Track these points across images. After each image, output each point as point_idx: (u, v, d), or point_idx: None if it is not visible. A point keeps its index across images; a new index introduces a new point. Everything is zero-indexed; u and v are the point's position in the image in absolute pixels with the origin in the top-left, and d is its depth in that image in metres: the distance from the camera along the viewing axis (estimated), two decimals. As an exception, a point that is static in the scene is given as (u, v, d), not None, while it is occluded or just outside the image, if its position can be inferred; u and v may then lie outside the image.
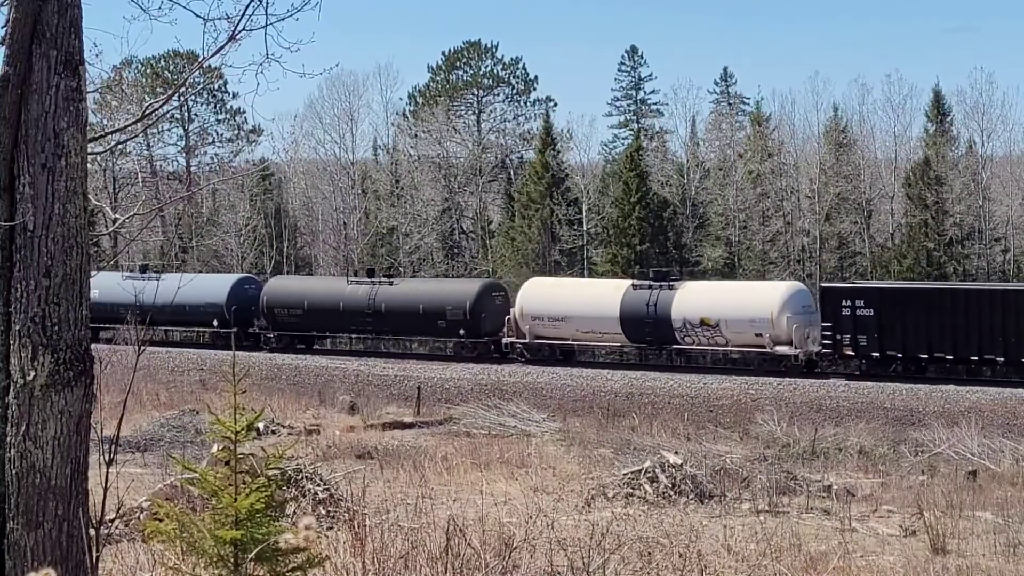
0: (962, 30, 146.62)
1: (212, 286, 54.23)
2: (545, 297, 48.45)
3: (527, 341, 48.19)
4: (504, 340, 48.68)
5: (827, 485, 22.82)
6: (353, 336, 54.00)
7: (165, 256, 72.04)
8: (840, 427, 35.08)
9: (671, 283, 47.07)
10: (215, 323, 53.82)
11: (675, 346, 46.38)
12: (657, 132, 76.32)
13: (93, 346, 7.83)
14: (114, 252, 51.57)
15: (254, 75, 9.77)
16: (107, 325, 54.98)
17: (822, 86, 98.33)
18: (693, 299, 45.54)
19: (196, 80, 17.49)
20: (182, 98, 51.28)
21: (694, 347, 46.10)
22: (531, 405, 37.92)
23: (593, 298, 47.77)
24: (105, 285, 53.50)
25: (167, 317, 52.01)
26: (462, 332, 49.02)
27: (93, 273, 7.94)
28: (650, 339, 46.39)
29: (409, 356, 52.78)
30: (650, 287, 46.51)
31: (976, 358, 40.95)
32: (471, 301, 48.84)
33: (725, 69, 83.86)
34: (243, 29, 9.39)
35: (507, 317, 48.87)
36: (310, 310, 52.28)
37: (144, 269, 56.12)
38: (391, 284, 51.62)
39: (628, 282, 48.50)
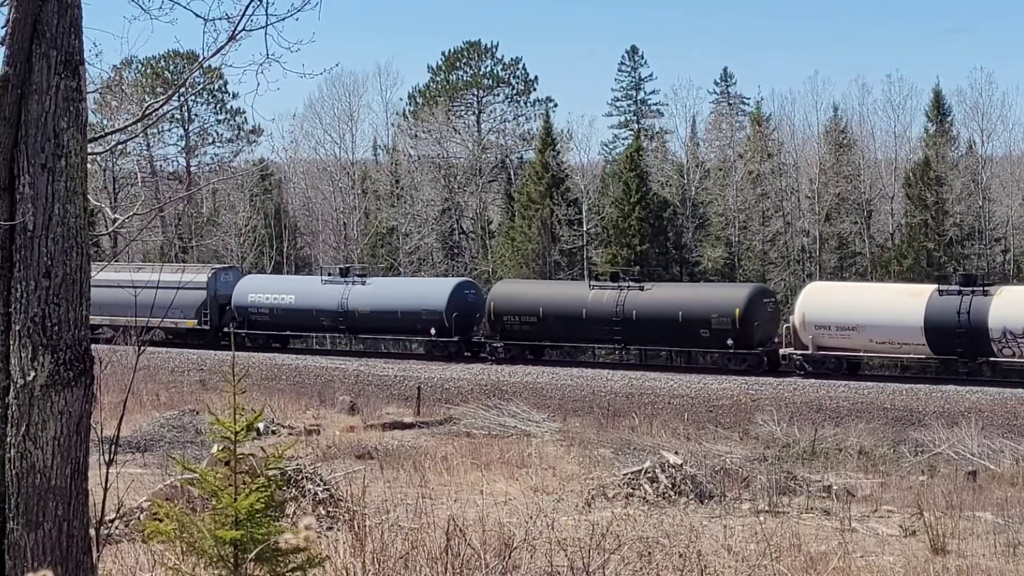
0: (962, 30, 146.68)
1: (429, 290, 51.10)
2: (832, 304, 44.38)
3: (808, 352, 44.22)
4: (781, 351, 44.99)
5: (827, 485, 22.82)
6: (597, 346, 50.02)
7: (165, 256, 72.02)
8: (840, 427, 35.08)
9: (985, 288, 43.22)
10: (432, 331, 49.21)
11: (991, 359, 42.31)
12: (657, 132, 76.35)
13: (93, 346, 7.83)
14: (114, 252, 51.53)
15: (254, 75, 9.78)
16: (305, 333, 53.94)
17: (822, 86, 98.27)
18: (1016, 306, 41.42)
19: (196, 80, 17.49)
20: (182, 98, 51.24)
21: (1015, 359, 41.81)
22: (531, 405, 37.93)
23: (890, 305, 43.57)
24: (303, 290, 52.63)
25: (373, 324, 50.37)
26: (730, 343, 45.08)
27: (94, 273, 7.93)
28: (960, 351, 42.30)
29: (409, 356, 52.70)
30: (959, 292, 42.75)
31: None
32: (741, 308, 45.03)
33: (725, 69, 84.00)
34: (243, 29, 9.39)
35: (785, 326, 45.50)
36: (546, 318, 48.31)
37: (345, 272, 53.29)
38: (641, 289, 47.45)
39: (930, 287, 44.53)
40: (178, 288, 48.83)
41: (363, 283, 51.64)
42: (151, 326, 51.90)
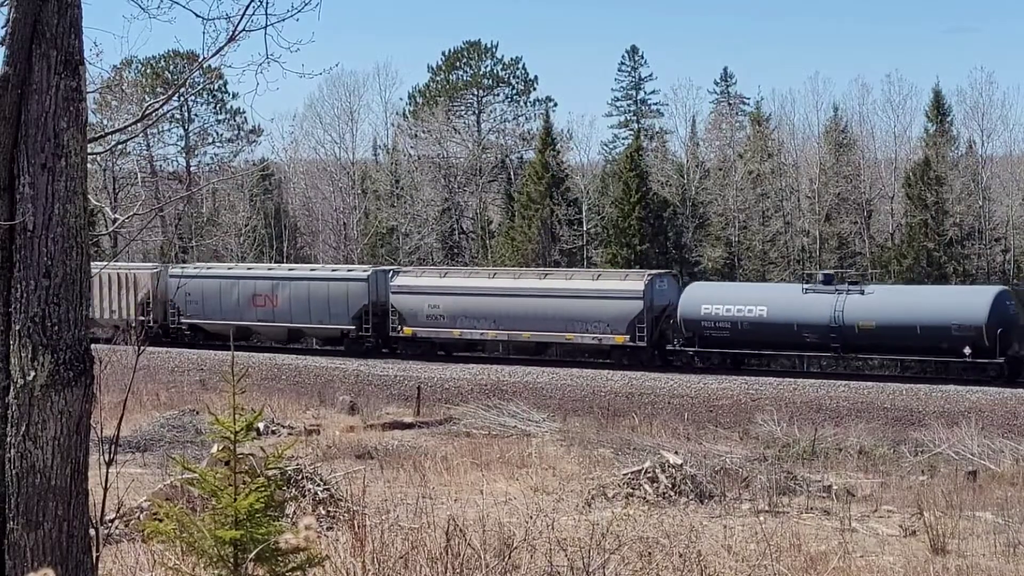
0: (962, 30, 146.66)
1: (956, 300, 42.86)
2: None
3: None
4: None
5: (827, 485, 22.81)
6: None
7: (165, 256, 72.03)
8: (840, 427, 35.07)
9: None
10: (967, 351, 41.01)
11: None
12: (657, 132, 76.36)
13: (93, 346, 7.83)
14: (114, 252, 51.53)
15: (254, 75, 9.78)
16: (778, 352, 46.36)
17: (822, 86, 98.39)
18: None
19: (196, 80, 17.51)
20: (182, 98, 51.30)
21: None
22: (531, 405, 37.92)
23: None
24: (779, 300, 44.84)
25: (878, 342, 42.80)
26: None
27: (94, 272, 7.93)
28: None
29: (409, 356, 52.66)
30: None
31: None
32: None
33: (725, 69, 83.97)
34: (243, 29, 9.39)
35: None
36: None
37: (829, 280, 45.14)
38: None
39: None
40: (603, 298, 45.20)
41: (860, 292, 43.73)
42: (573, 343, 46.61)
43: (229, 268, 56.58)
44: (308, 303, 51.68)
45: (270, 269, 56.20)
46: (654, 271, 49.89)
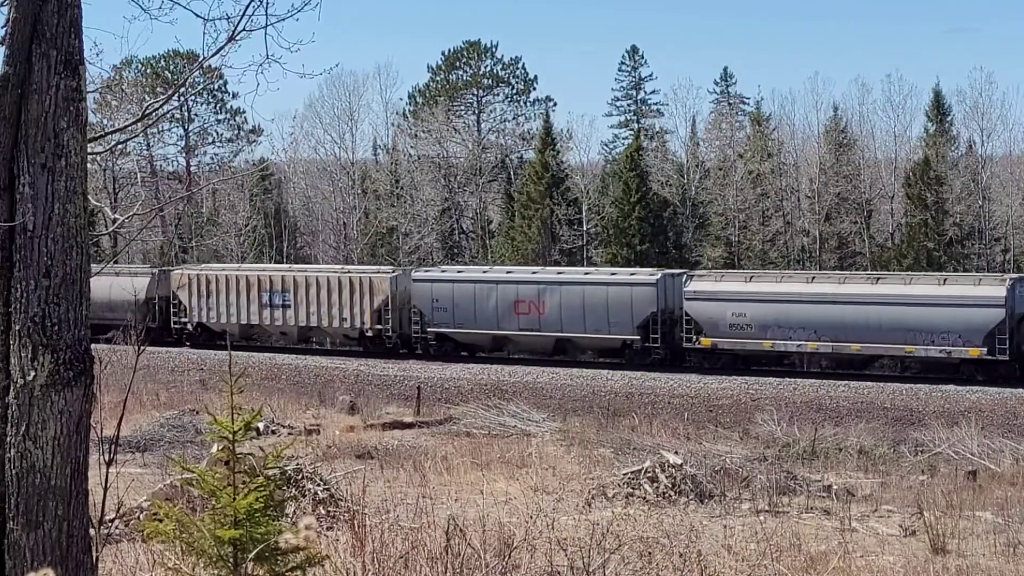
0: (962, 30, 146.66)
1: None
2: None
3: None
4: None
5: (827, 485, 22.81)
6: None
7: (165, 256, 72.06)
8: (840, 427, 35.04)
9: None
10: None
11: None
12: (657, 132, 76.41)
13: (93, 346, 7.83)
14: (114, 252, 51.53)
15: (254, 75, 9.78)
16: None
17: (822, 86, 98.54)
18: None
19: (196, 80, 17.51)
20: (182, 98, 51.28)
21: None
22: (531, 405, 37.88)
23: None
24: None
25: None
26: None
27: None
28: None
29: (409, 356, 52.60)
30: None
31: None
32: None
33: (725, 69, 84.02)
34: (243, 29, 9.39)
35: None
36: None
37: None
38: None
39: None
40: (952, 305, 40.42)
41: None
42: (914, 356, 40.92)
43: (484, 271, 51.90)
44: (582, 311, 47.19)
45: (534, 273, 50.85)
46: (1015, 275, 45.50)
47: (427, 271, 53.56)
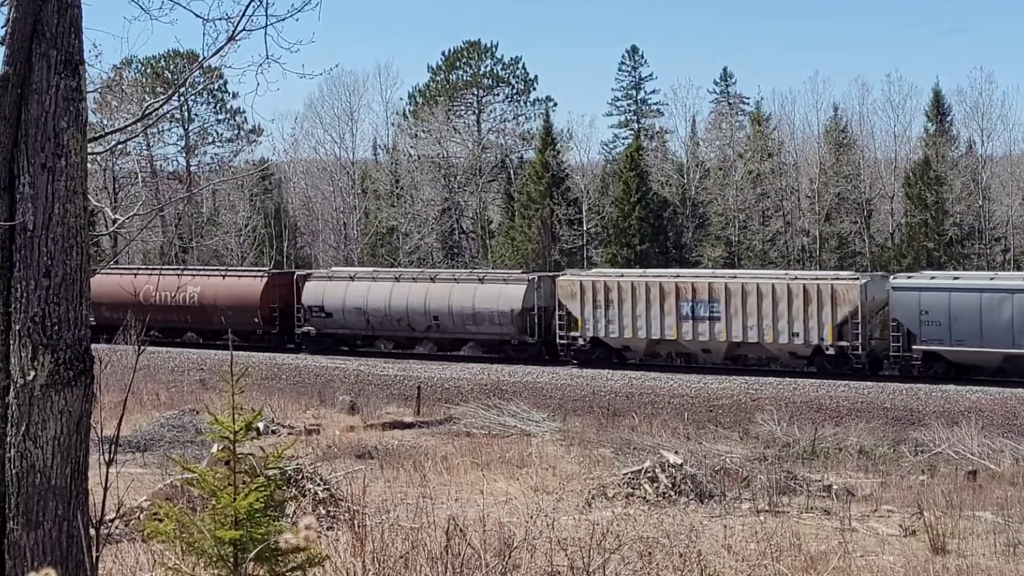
0: (962, 31, 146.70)
1: None
2: None
3: None
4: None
5: (827, 485, 22.80)
6: None
7: (165, 256, 72.05)
8: (840, 427, 35.03)
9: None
10: None
11: None
12: (657, 132, 76.42)
13: (93, 346, 7.83)
14: (114, 252, 51.50)
15: (254, 75, 9.78)
16: None
17: (822, 86, 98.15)
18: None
19: (196, 80, 17.51)
20: (182, 98, 51.19)
21: None
22: (531, 405, 37.87)
23: None
24: None
25: None
26: None
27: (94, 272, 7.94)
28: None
29: (409, 356, 52.51)
30: None
31: None
32: None
33: (725, 69, 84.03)
34: (243, 29, 9.39)
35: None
36: None
37: None
38: None
39: None
40: None
41: None
42: None
43: (991, 278, 43.73)
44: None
45: None
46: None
47: (910, 277, 44.70)
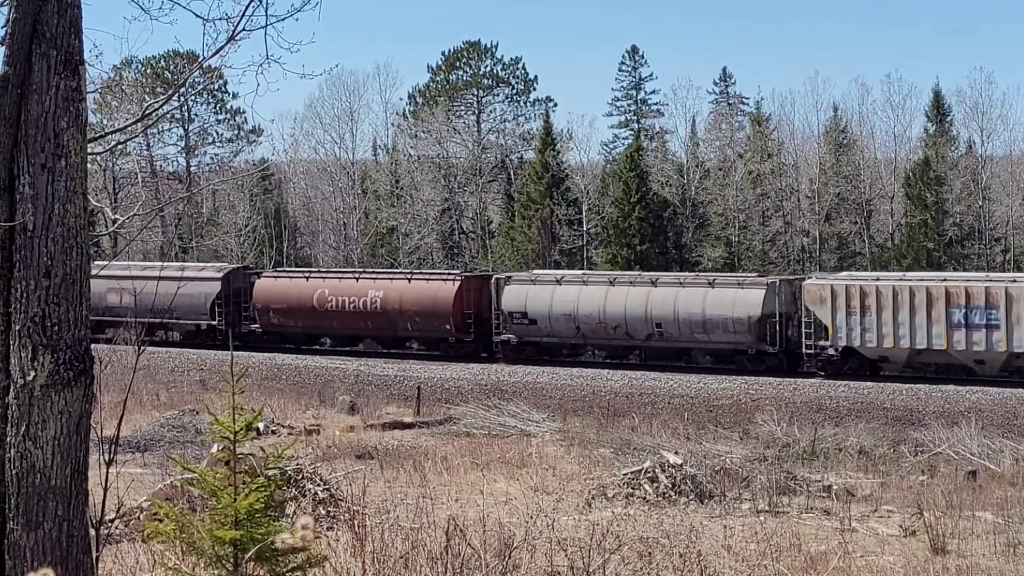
0: (962, 31, 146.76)
1: None
2: None
3: None
4: None
5: (827, 485, 22.81)
6: None
7: (165, 256, 72.03)
8: (840, 427, 35.04)
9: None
10: None
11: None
12: (657, 132, 76.43)
13: (93, 346, 7.83)
14: (114, 252, 51.49)
15: (254, 75, 9.77)
16: None
17: (822, 86, 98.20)
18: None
19: (196, 80, 17.49)
20: (182, 98, 51.19)
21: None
22: (531, 405, 37.88)
23: None
24: None
25: None
26: None
27: (93, 273, 7.93)
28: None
29: (409, 356, 52.53)
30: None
31: None
32: None
33: (725, 69, 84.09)
34: (243, 29, 9.39)
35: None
36: None
37: None
38: None
39: None
40: None
41: None
42: None
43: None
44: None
45: None
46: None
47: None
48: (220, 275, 53.13)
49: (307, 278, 51.84)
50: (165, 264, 58.70)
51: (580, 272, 51.65)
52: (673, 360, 46.16)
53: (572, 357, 48.08)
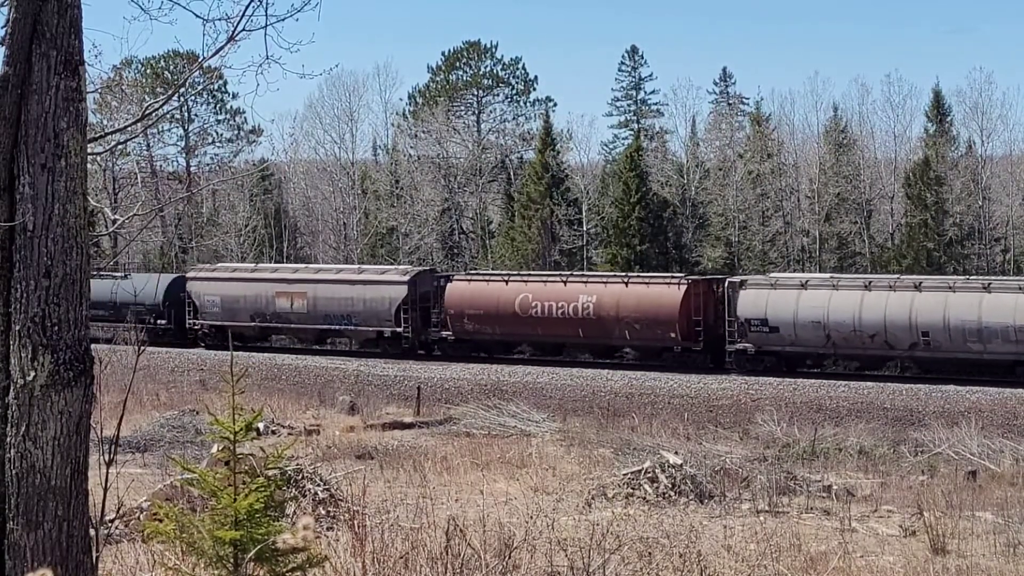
0: (961, 31, 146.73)
1: None
2: None
3: None
4: None
5: (827, 485, 22.81)
6: None
7: (165, 256, 72.03)
8: (840, 427, 35.05)
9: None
10: None
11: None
12: (657, 132, 76.39)
13: (93, 346, 7.83)
14: (114, 252, 51.45)
15: (254, 75, 9.77)
16: None
17: (822, 86, 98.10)
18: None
19: (196, 80, 17.49)
20: (182, 98, 51.18)
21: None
22: (531, 405, 37.89)
23: None
24: None
25: None
26: None
27: (93, 272, 7.94)
28: None
29: (409, 356, 52.50)
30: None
31: None
32: None
33: (724, 69, 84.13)
34: (243, 30, 9.39)
35: None
36: None
37: None
38: None
39: None
40: None
41: None
42: None
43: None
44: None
45: None
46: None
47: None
48: (407, 278, 50.09)
49: (506, 281, 48.68)
50: (341, 267, 56.30)
51: (827, 275, 47.47)
52: (942, 372, 41.97)
53: (816, 367, 44.39)
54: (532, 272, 53.77)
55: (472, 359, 48.65)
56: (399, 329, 49.70)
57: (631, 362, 47.68)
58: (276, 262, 68.59)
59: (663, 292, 45.20)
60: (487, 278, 50.02)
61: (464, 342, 49.05)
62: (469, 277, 51.03)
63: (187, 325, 54.13)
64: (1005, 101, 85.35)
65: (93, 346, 7.82)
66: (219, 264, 60.10)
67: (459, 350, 49.20)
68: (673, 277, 47.65)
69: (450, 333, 49.21)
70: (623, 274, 49.98)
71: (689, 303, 44.65)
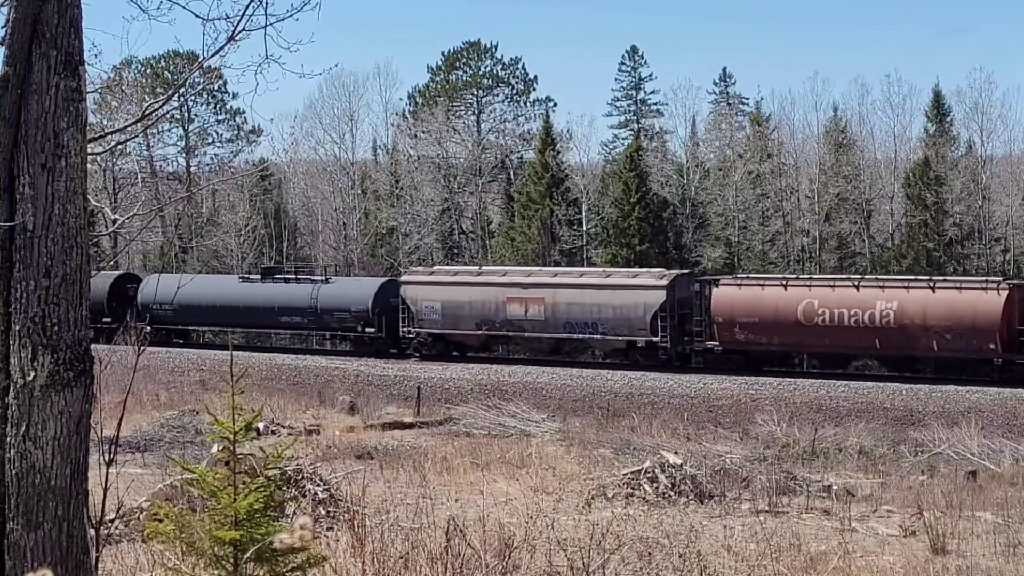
0: (961, 31, 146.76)
1: None
2: None
3: None
4: None
5: (827, 485, 22.82)
6: None
7: (165, 256, 72.02)
8: (840, 427, 35.07)
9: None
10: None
11: None
12: (657, 132, 76.37)
13: (93, 346, 7.82)
14: (114, 252, 51.42)
15: (254, 75, 9.76)
16: None
17: (822, 86, 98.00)
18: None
19: (196, 80, 17.49)
20: (182, 98, 51.24)
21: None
22: (531, 405, 37.91)
23: None
24: None
25: None
26: None
27: (92, 273, 7.93)
28: None
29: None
30: None
31: None
32: None
33: (724, 69, 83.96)
34: (242, 29, 9.38)
35: None
36: None
37: None
38: None
39: None
40: None
41: None
42: None
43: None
44: None
45: None
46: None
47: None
48: (664, 282, 45.52)
49: (785, 286, 43.94)
50: (583, 270, 52.21)
51: None
52: None
53: None
54: (815, 276, 49.75)
55: (472, 359, 48.66)
56: (655, 339, 45.16)
57: (929, 375, 43.01)
58: (276, 262, 68.59)
59: (979, 298, 40.98)
60: (760, 282, 45.27)
61: (734, 352, 44.79)
62: (739, 281, 46.09)
63: (401, 334, 49.79)
64: (1005, 101, 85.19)
65: (93, 346, 7.82)
66: (436, 267, 56.33)
67: (726, 362, 44.91)
68: (991, 281, 43.31)
69: (717, 343, 44.78)
70: (928, 278, 44.72)
71: (1012, 311, 40.39)
